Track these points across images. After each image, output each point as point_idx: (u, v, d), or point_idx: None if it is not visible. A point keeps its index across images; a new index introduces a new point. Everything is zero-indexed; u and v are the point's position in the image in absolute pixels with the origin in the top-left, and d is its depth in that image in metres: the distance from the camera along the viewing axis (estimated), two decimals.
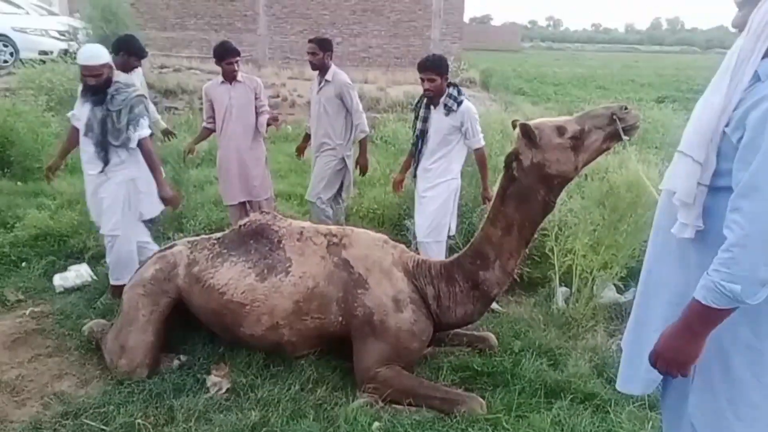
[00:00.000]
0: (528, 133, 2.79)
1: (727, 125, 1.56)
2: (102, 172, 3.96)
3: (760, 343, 1.64)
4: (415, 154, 4.31)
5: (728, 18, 1.72)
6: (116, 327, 3.24)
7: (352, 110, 4.93)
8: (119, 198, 4.00)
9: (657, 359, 1.69)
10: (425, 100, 4.22)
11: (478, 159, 4.26)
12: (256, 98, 5.05)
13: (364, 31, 18.89)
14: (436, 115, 4.14)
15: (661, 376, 1.76)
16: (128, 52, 4.94)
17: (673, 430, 1.90)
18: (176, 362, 3.25)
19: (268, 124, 5.16)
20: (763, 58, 1.53)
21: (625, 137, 2.61)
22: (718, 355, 1.67)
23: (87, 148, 4.01)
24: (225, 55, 4.88)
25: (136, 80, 5.17)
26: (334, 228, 3.40)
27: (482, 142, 4.19)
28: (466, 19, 31.71)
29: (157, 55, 13.14)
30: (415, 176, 4.36)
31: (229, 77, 4.93)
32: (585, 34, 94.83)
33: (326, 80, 4.97)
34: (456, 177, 4.23)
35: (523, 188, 2.91)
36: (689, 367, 1.65)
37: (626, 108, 2.61)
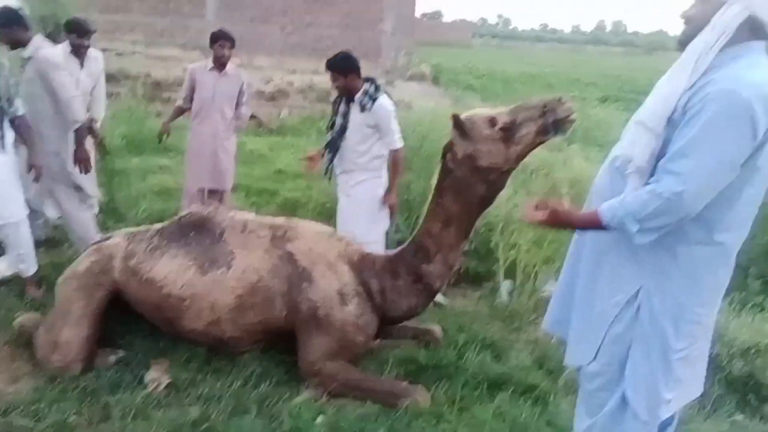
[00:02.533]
0: (459, 125, 2.77)
1: (674, 111, 1.82)
2: (2, 148, 3.61)
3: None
4: (333, 151, 4.10)
5: (668, 23, 2.02)
6: (49, 321, 3.10)
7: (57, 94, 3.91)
8: (17, 178, 3.78)
9: (541, 220, 2.06)
10: (344, 98, 4.06)
11: (393, 160, 4.02)
12: (240, 92, 5.02)
13: (316, 22, 18.68)
14: (354, 110, 3.98)
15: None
16: (68, 31, 4.74)
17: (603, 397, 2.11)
18: (113, 357, 3.13)
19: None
20: (718, 53, 1.79)
21: (554, 132, 2.56)
22: (661, 337, 1.94)
23: None
24: (219, 37, 4.78)
25: (93, 66, 4.95)
26: (278, 220, 3.35)
27: (398, 143, 3.97)
28: (417, 14, 31.83)
29: (99, 39, 12.65)
30: (327, 174, 4.19)
31: (219, 63, 4.83)
32: (533, 33, 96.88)
33: (28, 57, 3.95)
34: (380, 176, 4.10)
35: (458, 180, 2.88)
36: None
37: (560, 100, 2.55)
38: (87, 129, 4.25)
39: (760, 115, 1.70)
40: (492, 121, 2.72)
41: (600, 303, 2.06)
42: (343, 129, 4.03)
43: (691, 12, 1.91)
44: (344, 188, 4.14)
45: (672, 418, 2.12)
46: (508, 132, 2.68)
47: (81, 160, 4.06)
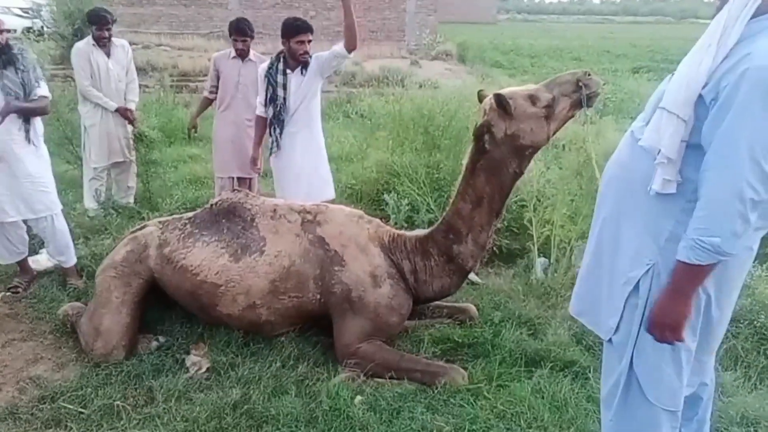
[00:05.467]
0: (502, 104, 2.73)
1: (704, 87, 1.66)
2: (29, 142, 3.65)
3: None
4: (280, 126, 4.11)
5: None
6: (90, 310, 3.19)
7: None
8: (50, 171, 3.86)
9: (653, 327, 1.79)
10: (280, 66, 4.08)
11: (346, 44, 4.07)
12: None
13: (338, 5, 18.52)
14: (295, 78, 4.08)
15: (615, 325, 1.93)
16: (89, 21, 4.83)
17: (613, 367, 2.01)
18: (154, 343, 3.20)
19: None
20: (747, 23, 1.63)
21: (587, 106, 2.60)
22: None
23: (13, 122, 3.57)
24: (234, 32, 4.84)
25: (121, 54, 5.03)
26: (308, 205, 3.36)
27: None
28: None
29: (125, 32, 12.79)
30: (271, 149, 4.21)
31: (240, 54, 4.87)
32: (560, 5, 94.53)
33: None
34: (322, 145, 4.28)
35: (494, 160, 2.86)
36: (682, 329, 1.74)
37: (589, 74, 2.60)
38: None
39: None
40: (533, 99, 2.71)
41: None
42: (285, 100, 4.07)
43: None
44: (283, 165, 4.22)
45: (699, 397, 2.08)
46: (549, 108, 2.68)
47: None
